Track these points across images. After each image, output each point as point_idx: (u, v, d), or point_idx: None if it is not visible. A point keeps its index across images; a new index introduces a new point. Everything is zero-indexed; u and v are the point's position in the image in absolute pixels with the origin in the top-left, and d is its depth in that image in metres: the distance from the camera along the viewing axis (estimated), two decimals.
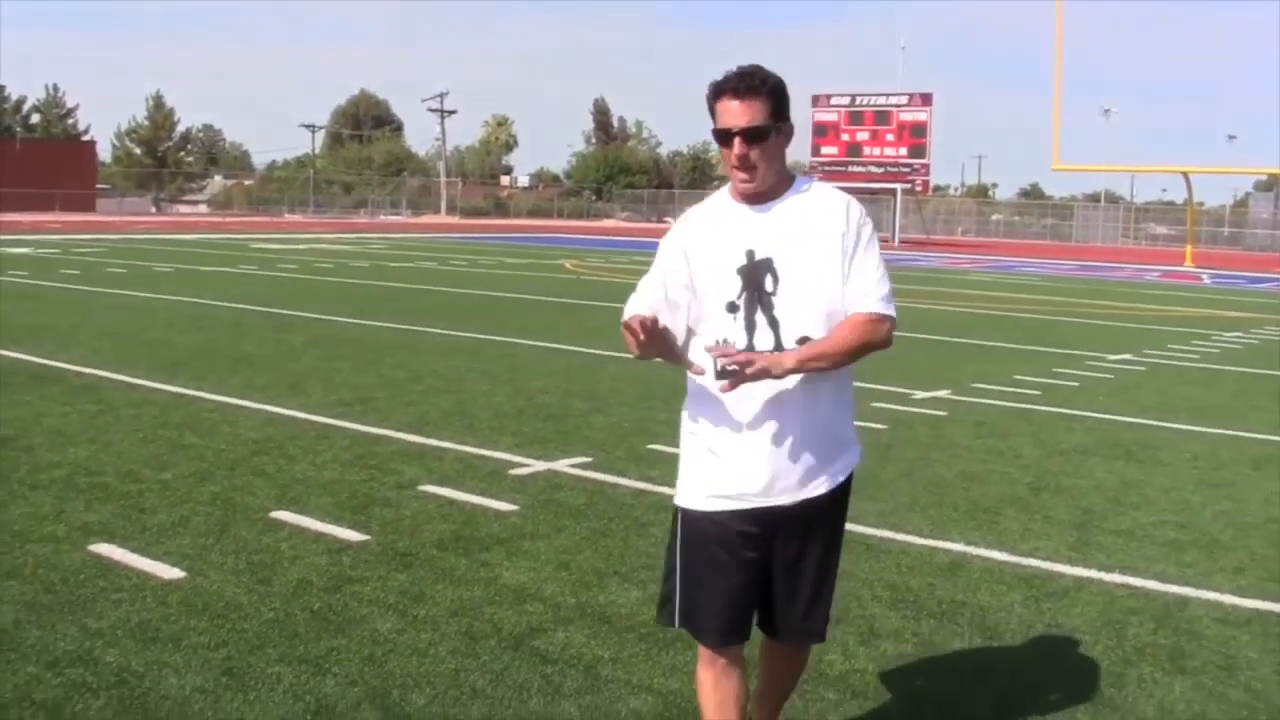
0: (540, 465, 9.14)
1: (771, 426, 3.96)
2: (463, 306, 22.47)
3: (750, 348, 3.93)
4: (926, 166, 69.39)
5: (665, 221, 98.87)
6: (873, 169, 70.05)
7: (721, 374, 3.82)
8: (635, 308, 4.00)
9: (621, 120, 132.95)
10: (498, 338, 17.41)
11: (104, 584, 6.21)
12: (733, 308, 3.97)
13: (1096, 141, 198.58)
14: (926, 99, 69.05)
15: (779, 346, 3.93)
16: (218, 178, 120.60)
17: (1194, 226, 58.62)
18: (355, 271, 31.38)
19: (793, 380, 3.91)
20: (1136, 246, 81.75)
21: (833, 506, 4.10)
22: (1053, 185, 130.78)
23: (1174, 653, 5.87)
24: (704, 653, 4.11)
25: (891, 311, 3.97)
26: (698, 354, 4.02)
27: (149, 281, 25.84)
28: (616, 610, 6.10)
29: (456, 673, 5.24)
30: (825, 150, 71.21)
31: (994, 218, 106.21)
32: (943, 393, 13.38)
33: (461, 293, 25.76)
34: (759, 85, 3.90)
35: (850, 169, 70.41)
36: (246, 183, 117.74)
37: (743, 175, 3.94)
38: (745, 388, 3.86)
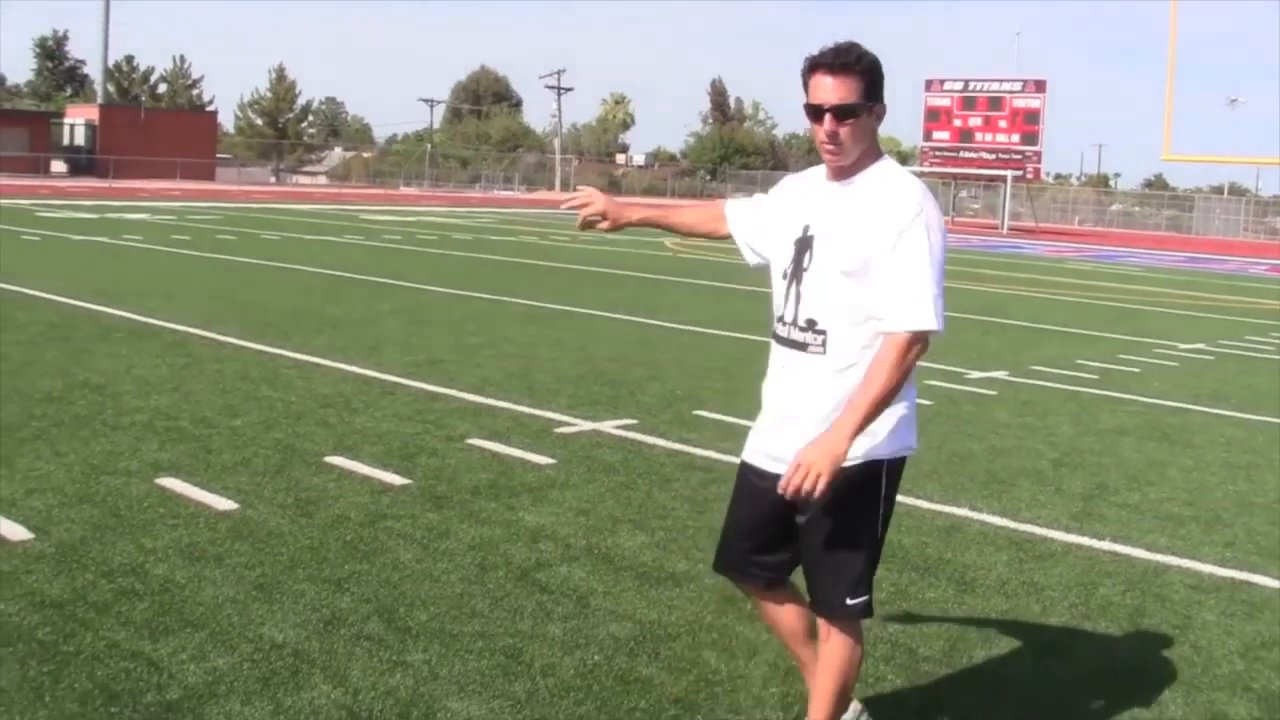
0: (586, 425, 9.72)
1: (793, 405, 4.12)
2: (551, 279, 23.12)
3: (783, 315, 4.14)
4: (1039, 154, 68.91)
5: None
6: (984, 155, 69.72)
7: (774, 337, 4.20)
8: (730, 208, 4.53)
9: (739, 101, 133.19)
10: (577, 309, 18.04)
11: (163, 511, 6.89)
12: (784, 275, 4.15)
13: (1221, 132, 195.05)
14: (1040, 85, 68.56)
15: (795, 321, 4.08)
16: (337, 150, 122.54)
17: None
18: (456, 244, 32.15)
19: (816, 370, 4.03)
20: (1256, 241, 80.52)
21: (843, 491, 3.96)
22: (1177, 177, 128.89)
23: (1134, 612, 6.31)
24: (753, 594, 4.53)
25: (923, 326, 3.86)
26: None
27: (255, 248, 26.79)
28: (620, 551, 6.67)
29: (460, 596, 5.84)
30: (937, 135, 70.99)
31: (1112, 208, 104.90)
32: (998, 374, 13.76)
33: (555, 266, 26.42)
34: (853, 63, 3.92)
35: (962, 154, 70.25)
36: (365, 155, 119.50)
37: (830, 149, 3.98)
38: (781, 360, 4.16)
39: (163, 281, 18.94)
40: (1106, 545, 7.44)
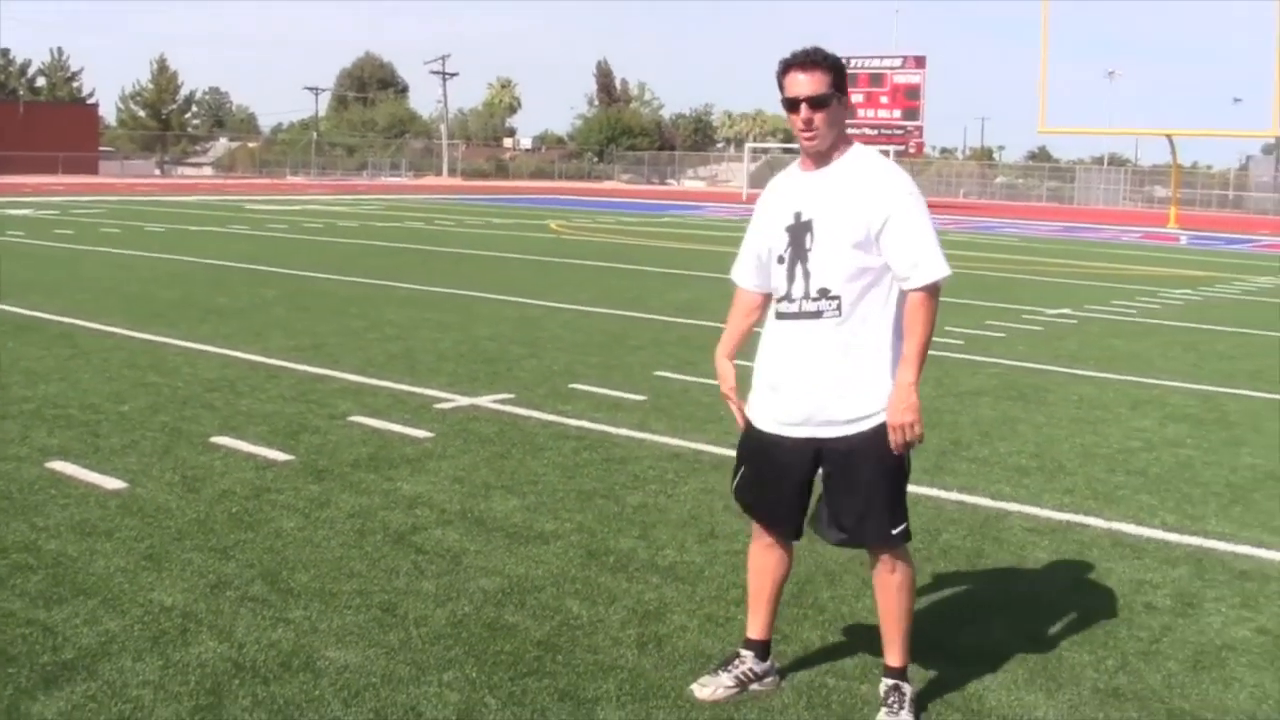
0: (464, 400, 10.10)
1: (809, 371, 4.63)
2: (435, 264, 23.43)
3: (789, 294, 4.67)
4: (920, 129, 69.97)
5: (667, 184, 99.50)
6: (867, 131, 70.52)
7: (777, 316, 4.73)
8: (734, 273, 5.00)
9: (624, 82, 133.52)
10: (460, 291, 18.39)
11: (54, 493, 7.19)
12: (780, 260, 4.70)
13: (1100, 104, 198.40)
14: (920, 61, 69.61)
15: (807, 294, 4.61)
16: (222, 140, 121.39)
17: (1177, 189, 59.23)
18: (342, 231, 32.30)
19: (832, 333, 4.58)
20: (1135, 209, 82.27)
21: (857, 446, 4.64)
22: (1060, 149, 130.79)
23: (973, 553, 6.81)
24: (753, 530, 5.03)
25: (935, 276, 4.53)
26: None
27: (139, 241, 26.80)
28: (492, 515, 7.07)
29: (340, 559, 6.22)
30: None
31: (996, 180, 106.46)
32: None
33: (438, 251, 26.71)
34: (820, 60, 4.56)
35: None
36: (251, 145, 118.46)
37: (807, 135, 4.56)
38: (791, 335, 4.66)
39: (47, 276, 19.00)
40: (954, 495, 7.94)
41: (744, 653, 5.00)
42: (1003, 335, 15.50)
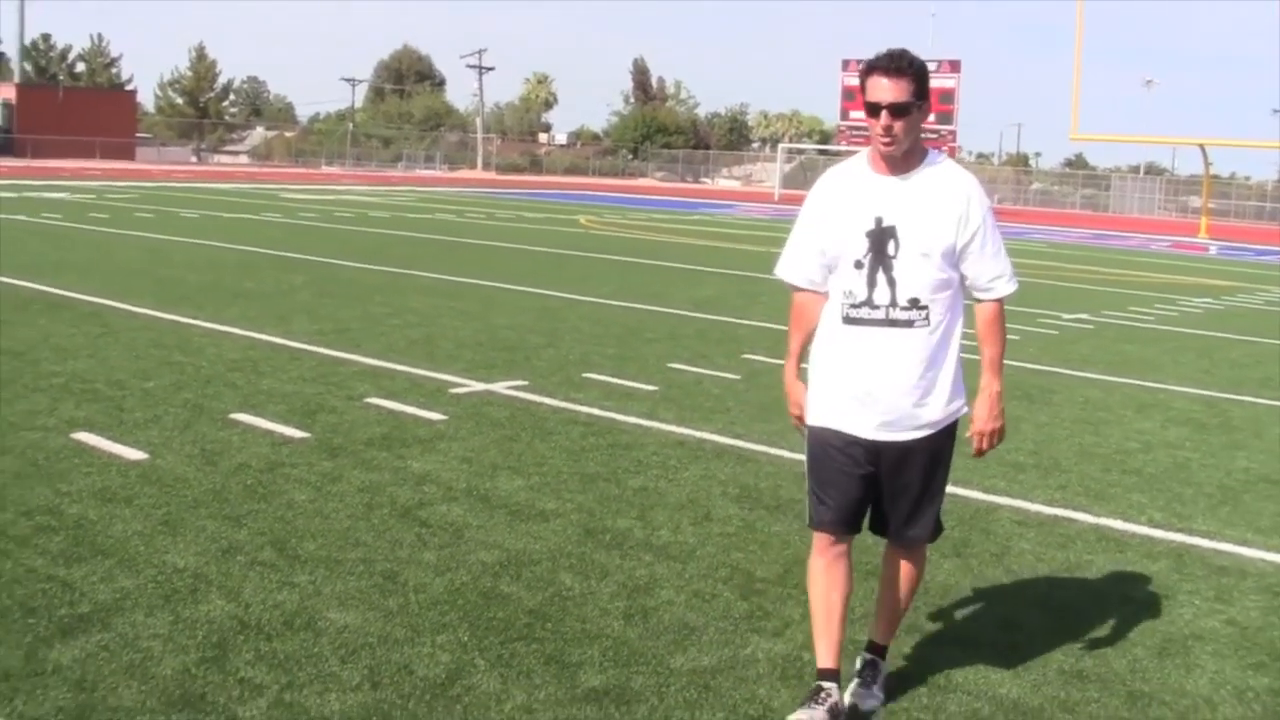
0: (479, 386, 10.38)
1: (884, 377, 4.64)
2: (462, 255, 23.73)
3: (869, 299, 4.63)
4: (954, 133, 69.99)
5: (701, 182, 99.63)
6: None
7: (846, 320, 4.68)
8: (789, 271, 4.94)
9: (661, 80, 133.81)
10: (484, 282, 18.68)
11: (78, 461, 7.49)
12: (859, 265, 4.64)
13: (1137, 112, 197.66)
14: (955, 65, 69.65)
15: (894, 303, 4.60)
16: (259, 129, 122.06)
17: (1208, 199, 59.16)
18: (373, 221, 32.65)
19: (924, 342, 4.61)
20: (1170, 218, 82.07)
21: (932, 446, 4.76)
22: (1097, 156, 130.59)
23: (959, 543, 7.04)
24: (819, 542, 4.83)
25: (1011, 290, 4.72)
26: (834, 290, 4.76)
27: (173, 226, 27.20)
28: (497, 493, 7.35)
29: (347, 530, 6.50)
30: (854, 114, 71.90)
31: (1032, 187, 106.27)
32: None
33: (466, 242, 27.02)
34: (906, 66, 4.52)
35: None
36: (287, 135, 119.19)
37: (885, 141, 4.53)
38: (880, 343, 4.62)
39: (80, 257, 19.40)
40: (949, 489, 8.14)
41: (826, 685, 4.74)
42: (1016, 338, 15.66)
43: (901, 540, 4.95)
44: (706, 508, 7.35)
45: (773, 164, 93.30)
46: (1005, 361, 4.89)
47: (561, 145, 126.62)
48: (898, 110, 4.49)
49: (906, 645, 5.47)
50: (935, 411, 4.71)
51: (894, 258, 4.59)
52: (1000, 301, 4.77)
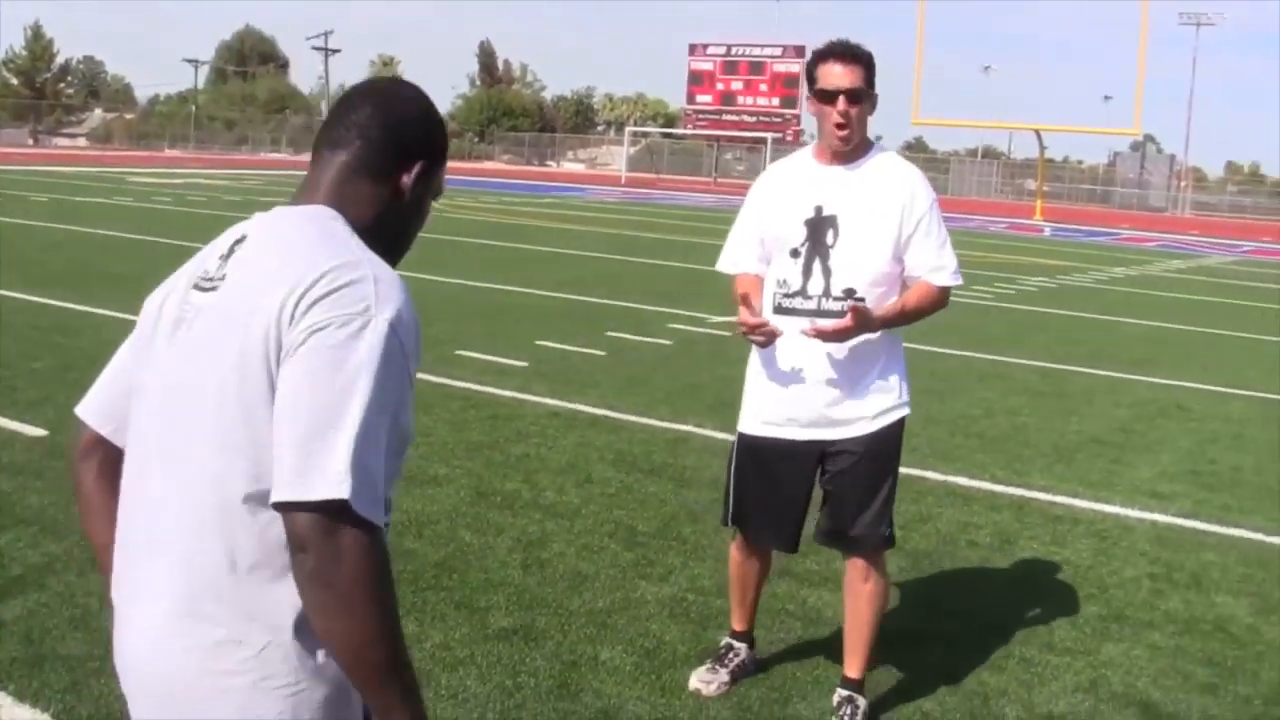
0: None
1: (819, 370, 4.54)
2: None
3: (803, 290, 4.54)
4: (798, 117, 71.08)
5: (548, 165, 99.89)
6: (745, 118, 71.81)
7: (778, 310, 4.55)
8: (723, 262, 4.81)
9: (507, 63, 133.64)
10: None
11: None
12: (795, 253, 4.55)
13: (976, 97, 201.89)
14: (799, 51, 70.63)
15: (827, 293, 4.51)
16: (98, 111, 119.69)
17: (1043, 183, 61.08)
18: (227, 205, 32.56)
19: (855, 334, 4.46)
20: (1007, 201, 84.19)
21: (872, 448, 4.64)
22: (937, 141, 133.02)
23: (814, 504, 7.64)
24: (739, 538, 4.96)
25: (959, 281, 4.63)
26: (768, 281, 4.65)
27: (25, 210, 26.93)
28: None
29: None
30: (700, 98, 72.81)
31: None
32: (737, 318, 15.08)
33: None
34: (859, 53, 4.50)
35: (724, 117, 72.25)
36: (128, 117, 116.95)
37: (843, 132, 4.48)
38: (795, 330, 4.48)
39: None
40: None
41: (736, 645, 5.05)
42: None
43: (850, 547, 4.78)
44: (587, 471, 7.87)
45: (619, 147, 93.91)
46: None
47: None
48: (854, 96, 4.46)
49: (778, 585, 6.03)
50: (872, 406, 4.61)
51: (832, 247, 4.51)
52: (944, 291, 4.65)
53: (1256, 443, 10.23)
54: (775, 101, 70.86)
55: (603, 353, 12.24)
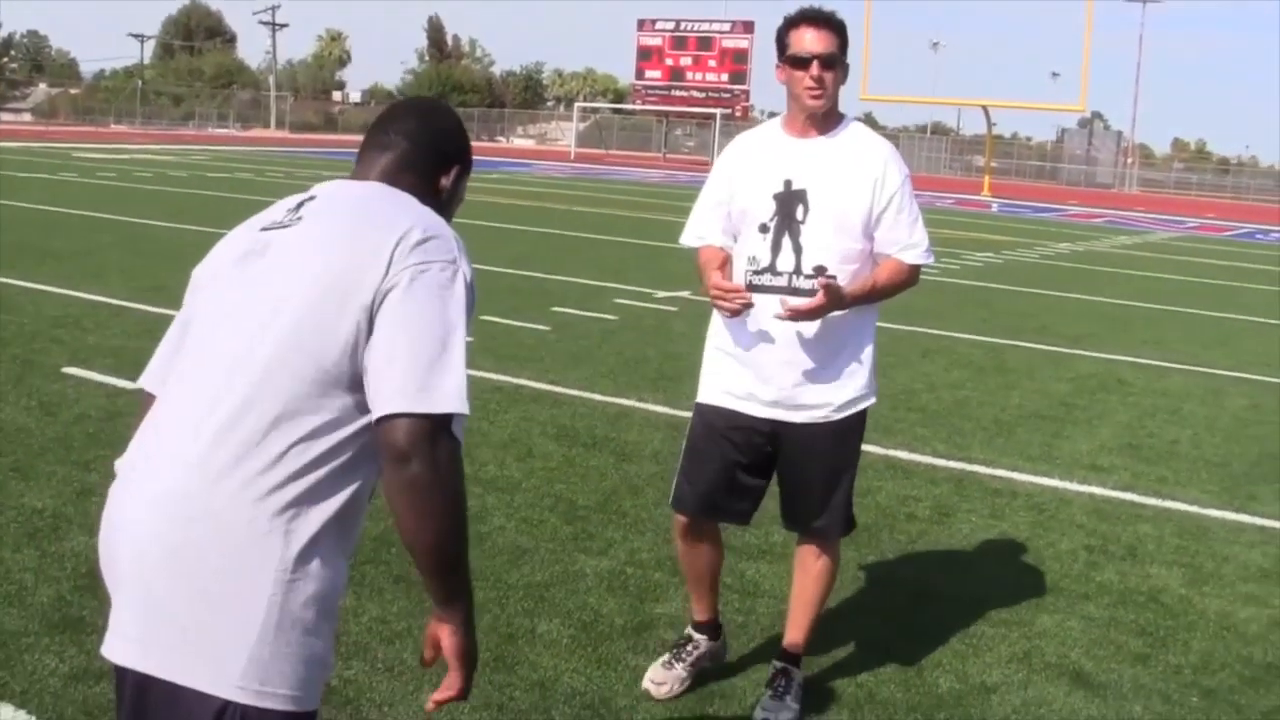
0: None
1: (787, 350, 4.38)
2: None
3: (772, 266, 4.37)
4: (747, 93, 71.28)
5: (497, 141, 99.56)
6: (694, 94, 71.79)
7: (748, 288, 4.35)
8: (686, 236, 4.65)
9: (456, 38, 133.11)
10: None
11: None
12: (764, 229, 4.39)
13: (924, 73, 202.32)
14: (749, 26, 70.85)
15: (798, 270, 4.34)
16: (42, 86, 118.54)
17: (990, 159, 61.40)
18: (173, 181, 32.35)
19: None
20: (956, 177, 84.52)
21: (836, 431, 4.50)
22: (885, 116, 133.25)
23: None
24: (677, 525, 4.76)
25: (930, 260, 4.50)
26: (737, 257, 4.49)
27: None
28: None
29: None
30: (649, 74, 72.73)
31: None
32: (683, 293, 15.15)
33: (270, 200, 26.80)
34: (831, 18, 4.36)
35: (674, 93, 72.21)
36: (73, 92, 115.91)
37: (816, 92, 4.32)
38: (764, 308, 4.32)
39: None
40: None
41: (696, 636, 4.87)
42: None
43: (808, 533, 4.69)
44: (528, 445, 7.88)
45: (568, 123, 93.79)
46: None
47: (356, 104, 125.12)
48: (828, 61, 4.32)
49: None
50: (839, 393, 4.48)
51: (802, 223, 4.35)
52: (913, 267, 4.51)
53: (1194, 416, 10.35)
54: (724, 77, 70.89)
55: (547, 328, 12.23)
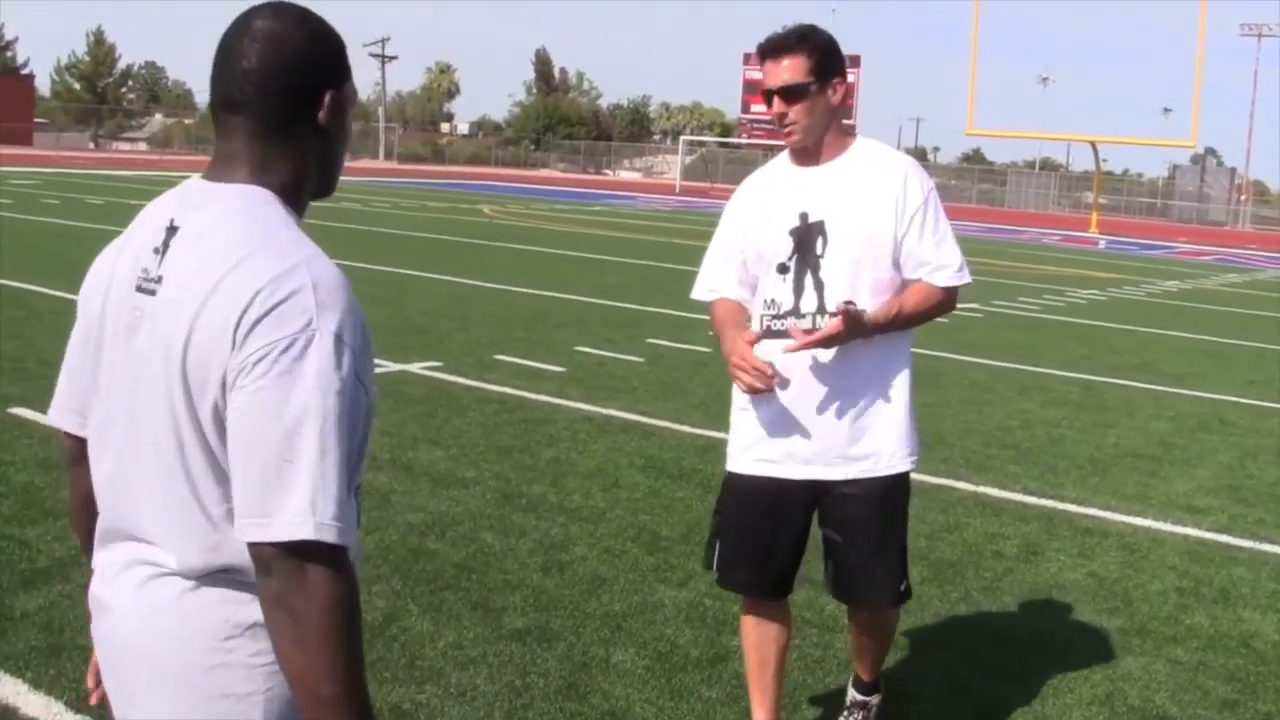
0: (395, 366, 10.84)
1: (819, 398, 4.00)
2: (371, 243, 24.05)
3: (796, 309, 3.97)
4: (853, 127, 70.32)
5: (603, 173, 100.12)
6: None
7: (767, 334, 3.99)
8: (697, 290, 4.29)
9: (563, 71, 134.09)
10: (394, 269, 19.11)
11: (19, 434, 7.92)
12: (783, 269, 4.01)
13: (1033, 108, 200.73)
14: (855, 61, 70.58)
15: (821, 309, 3.94)
16: (158, 116, 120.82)
17: (1098, 195, 60.68)
18: None
19: (855, 356, 3.96)
20: (1064, 213, 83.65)
21: (882, 490, 4.10)
22: (994, 152, 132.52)
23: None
24: (744, 603, 4.41)
25: (965, 280, 4.04)
26: (755, 305, 4.13)
27: (79, 212, 27.30)
28: (419, 462, 7.84)
29: None
30: (755, 108, 72.72)
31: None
32: None
33: (374, 230, 27.33)
34: (795, 43, 3.93)
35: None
36: (187, 121, 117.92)
37: (784, 130, 3.97)
38: (802, 357, 3.94)
39: None
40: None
41: None
42: None
43: (858, 601, 4.34)
44: (615, 476, 7.89)
45: (674, 156, 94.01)
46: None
47: (464, 135, 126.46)
48: (790, 93, 3.93)
49: (797, 591, 6.01)
50: (879, 444, 4.07)
51: (822, 257, 3.98)
52: (949, 290, 4.08)
53: None
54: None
55: (641, 359, 12.24)
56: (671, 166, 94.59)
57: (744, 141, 78.49)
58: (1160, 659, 5.66)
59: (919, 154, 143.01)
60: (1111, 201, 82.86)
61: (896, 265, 4.04)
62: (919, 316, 4.06)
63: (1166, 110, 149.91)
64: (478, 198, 48.03)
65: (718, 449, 8.74)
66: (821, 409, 4.02)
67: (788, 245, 4.01)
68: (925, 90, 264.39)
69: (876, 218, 3.98)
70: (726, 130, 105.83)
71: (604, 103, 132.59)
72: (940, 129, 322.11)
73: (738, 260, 4.18)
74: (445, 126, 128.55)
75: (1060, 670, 5.43)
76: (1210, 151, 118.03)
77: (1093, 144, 56.37)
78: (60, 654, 4.81)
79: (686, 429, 9.33)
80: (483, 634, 5.27)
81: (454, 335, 12.80)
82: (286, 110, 2.16)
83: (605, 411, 9.70)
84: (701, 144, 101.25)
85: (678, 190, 70.55)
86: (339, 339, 2.00)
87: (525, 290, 17.48)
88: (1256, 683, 5.49)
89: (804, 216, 4.00)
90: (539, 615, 5.52)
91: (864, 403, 4.04)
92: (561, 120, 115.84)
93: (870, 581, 4.20)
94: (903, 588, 4.26)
